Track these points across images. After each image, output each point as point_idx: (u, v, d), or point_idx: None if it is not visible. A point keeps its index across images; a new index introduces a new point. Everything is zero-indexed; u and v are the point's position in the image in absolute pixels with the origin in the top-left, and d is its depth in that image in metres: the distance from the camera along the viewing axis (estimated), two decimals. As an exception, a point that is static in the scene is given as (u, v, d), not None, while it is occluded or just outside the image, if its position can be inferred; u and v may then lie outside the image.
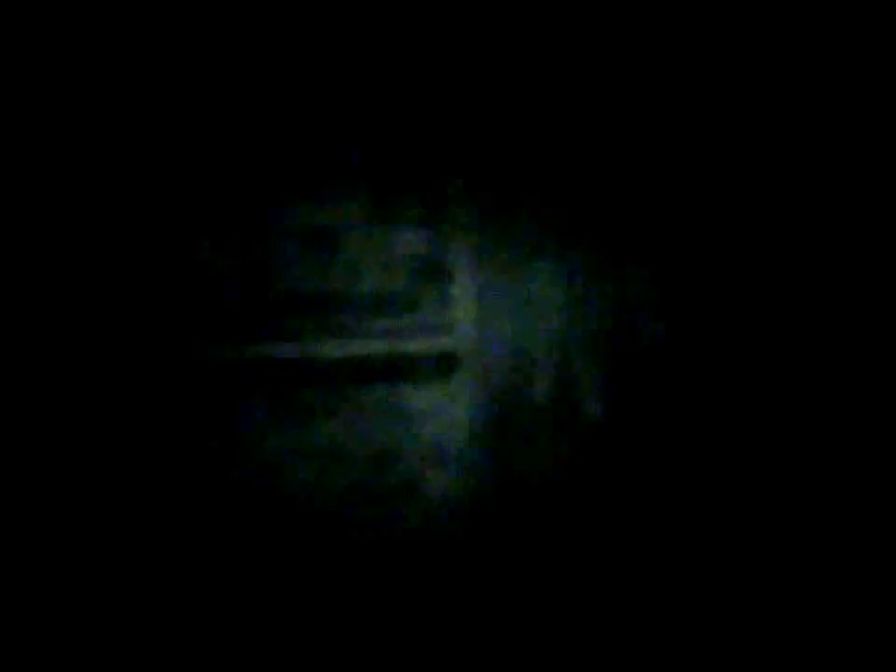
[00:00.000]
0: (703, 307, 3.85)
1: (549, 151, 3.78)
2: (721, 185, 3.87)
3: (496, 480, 3.74)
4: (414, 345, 3.75)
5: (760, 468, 3.83)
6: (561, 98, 3.82)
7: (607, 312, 3.79)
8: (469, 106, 3.77)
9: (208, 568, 3.60)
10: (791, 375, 3.84)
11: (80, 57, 3.61)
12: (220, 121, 3.68)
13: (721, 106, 3.90)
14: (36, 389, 3.57)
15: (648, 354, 3.77)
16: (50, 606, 3.52)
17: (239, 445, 3.66)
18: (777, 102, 3.90)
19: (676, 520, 3.77)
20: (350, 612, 3.63)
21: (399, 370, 3.73)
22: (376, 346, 3.76)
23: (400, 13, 3.75)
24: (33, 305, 3.56)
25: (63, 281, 3.60)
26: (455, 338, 3.75)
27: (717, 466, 3.81)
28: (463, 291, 3.76)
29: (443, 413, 3.75)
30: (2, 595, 3.52)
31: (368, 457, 3.75)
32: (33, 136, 3.62)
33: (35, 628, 3.52)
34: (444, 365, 3.75)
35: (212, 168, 3.72)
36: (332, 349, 3.75)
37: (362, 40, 3.77)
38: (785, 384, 3.83)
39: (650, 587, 3.73)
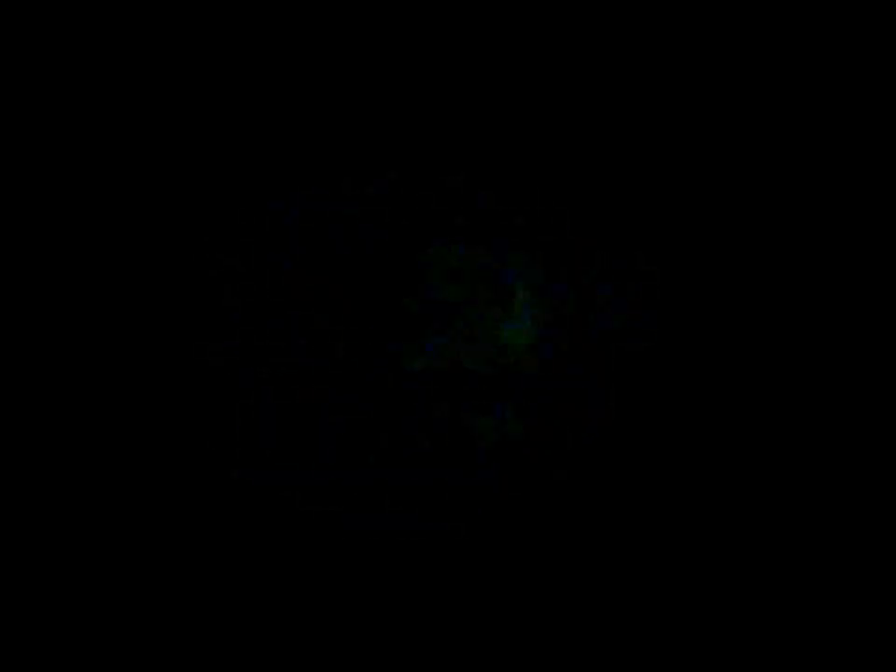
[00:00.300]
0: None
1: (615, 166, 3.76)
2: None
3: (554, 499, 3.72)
4: (471, 363, 3.72)
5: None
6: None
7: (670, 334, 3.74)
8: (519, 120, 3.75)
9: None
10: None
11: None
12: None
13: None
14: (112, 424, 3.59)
15: (698, 375, 3.74)
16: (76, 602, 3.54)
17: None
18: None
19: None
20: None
21: (456, 387, 3.71)
22: (432, 362, 3.76)
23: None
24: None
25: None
26: (513, 356, 3.72)
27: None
28: (521, 308, 3.73)
29: (500, 433, 3.72)
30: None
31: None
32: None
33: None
34: (502, 385, 3.72)
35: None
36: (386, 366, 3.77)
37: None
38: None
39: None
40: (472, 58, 3.72)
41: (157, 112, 3.56)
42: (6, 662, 3.49)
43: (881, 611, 3.65)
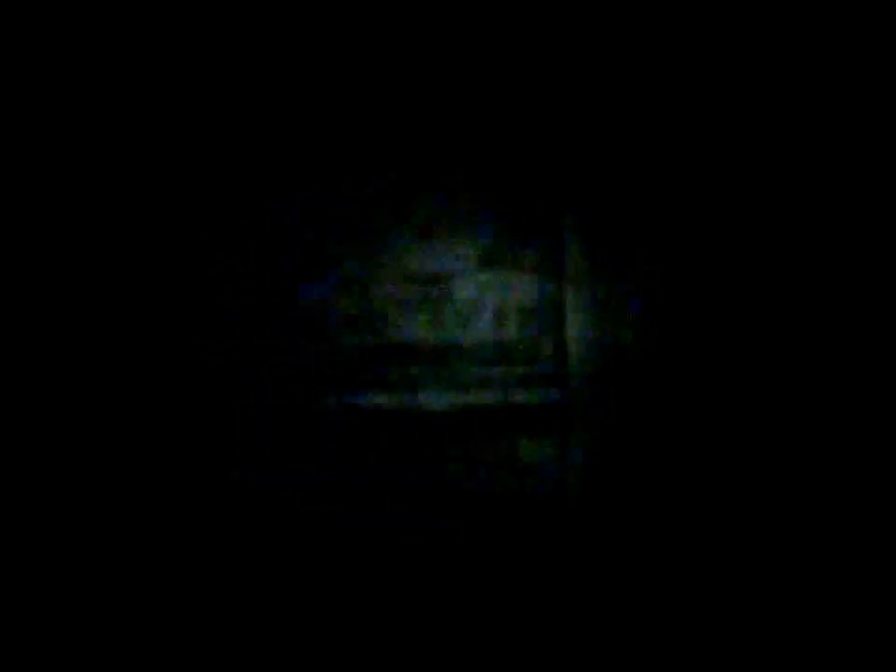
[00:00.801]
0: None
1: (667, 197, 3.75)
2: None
3: (610, 533, 3.68)
4: (526, 396, 3.70)
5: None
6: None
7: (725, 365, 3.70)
8: (588, 148, 3.75)
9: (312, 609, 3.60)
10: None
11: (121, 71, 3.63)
12: (331, 162, 3.69)
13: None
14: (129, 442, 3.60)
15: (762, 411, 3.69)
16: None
17: (348, 492, 3.68)
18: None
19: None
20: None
21: (510, 421, 3.68)
22: (487, 397, 3.75)
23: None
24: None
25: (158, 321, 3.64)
26: (569, 389, 3.68)
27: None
28: (578, 341, 3.69)
29: (556, 466, 3.67)
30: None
31: (476, 508, 3.71)
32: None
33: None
34: (557, 417, 3.68)
35: (325, 211, 3.73)
36: (442, 399, 3.74)
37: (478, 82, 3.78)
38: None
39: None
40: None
41: (150, 115, 3.59)
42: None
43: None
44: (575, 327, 3.62)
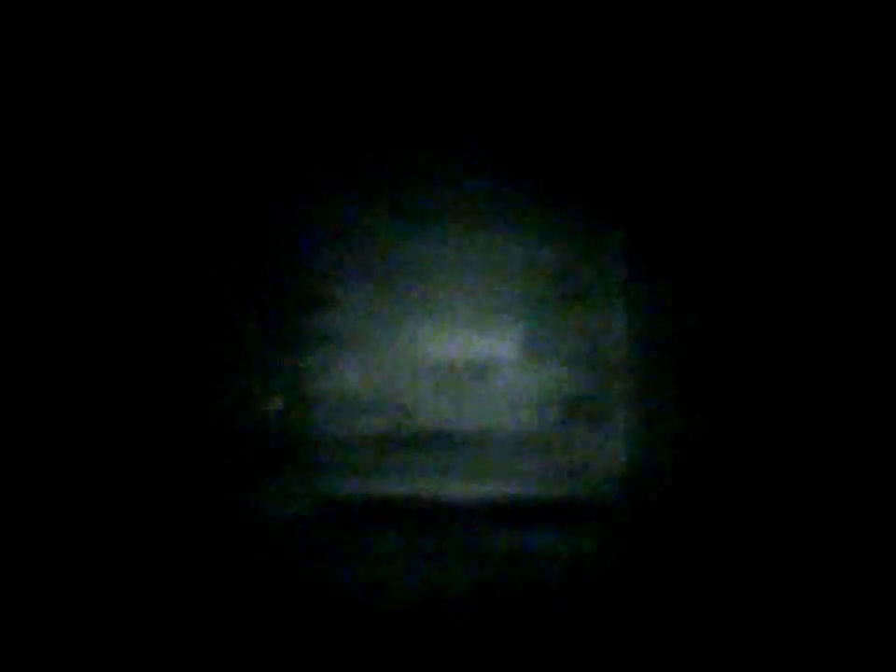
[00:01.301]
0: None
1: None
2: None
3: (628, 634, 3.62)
4: (549, 489, 3.65)
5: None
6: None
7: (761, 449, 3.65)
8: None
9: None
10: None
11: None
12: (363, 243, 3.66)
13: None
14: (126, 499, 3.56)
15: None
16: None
17: (365, 581, 3.61)
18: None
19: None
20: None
21: (526, 514, 3.62)
22: (511, 489, 3.68)
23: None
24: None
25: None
26: (597, 482, 3.63)
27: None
28: (614, 433, 3.64)
29: (568, 560, 3.60)
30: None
31: (491, 603, 3.64)
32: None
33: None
34: (573, 511, 3.62)
35: (361, 301, 3.71)
36: (466, 489, 3.70)
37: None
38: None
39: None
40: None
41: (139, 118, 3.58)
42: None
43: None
44: (614, 419, 3.54)
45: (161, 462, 3.67)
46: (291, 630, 3.43)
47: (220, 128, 3.73)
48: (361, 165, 3.74)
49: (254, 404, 3.74)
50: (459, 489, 3.69)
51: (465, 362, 3.76)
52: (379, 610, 3.50)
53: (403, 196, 3.73)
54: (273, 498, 3.67)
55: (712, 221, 3.81)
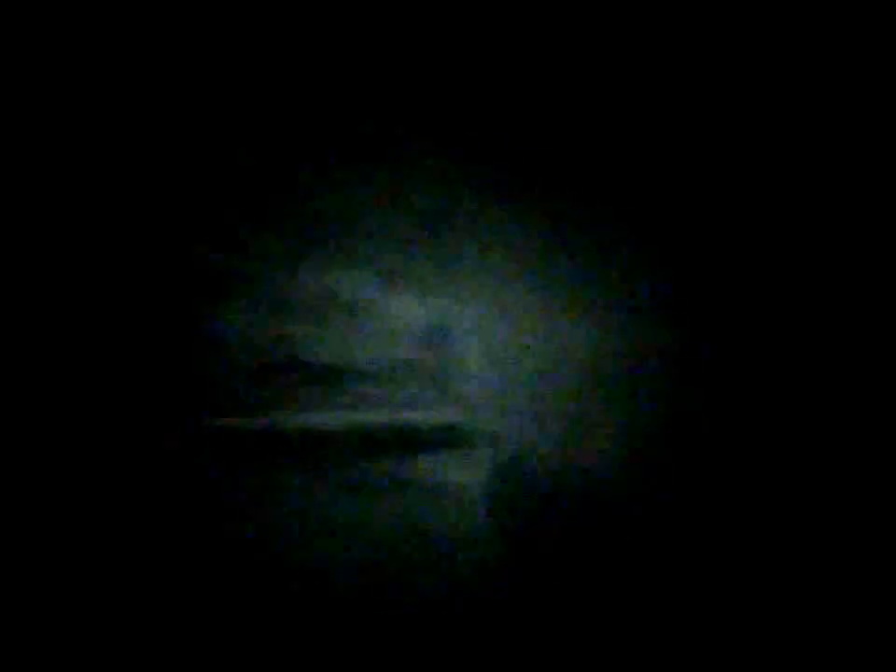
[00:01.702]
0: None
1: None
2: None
3: (510, 558, 3.69)
4: (423, 417, 3.70)
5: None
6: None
7: (625, 371, 3.72)
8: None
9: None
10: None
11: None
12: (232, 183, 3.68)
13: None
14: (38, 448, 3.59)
15: (669, 413, 3.72)
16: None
17: (239, 516, 3.66)
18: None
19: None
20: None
21: (407, 442, 3.68)
22: (382, 417, 3.72)
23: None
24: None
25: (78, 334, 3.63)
26: (466, 409, 3.69)
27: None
28: (475, 360, 3.72)
29: (454, 488, 3.68)
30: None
31: (374, 534, 3.69)
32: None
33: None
34: (456, 437, 3.69)
35: (226, 234, 3.73)
36: (338, 420, 3.73)
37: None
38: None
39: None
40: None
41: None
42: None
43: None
44: (471, 346, 3.63)
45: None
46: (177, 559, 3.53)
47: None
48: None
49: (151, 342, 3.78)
50: (343, 420, 3.73)
51: (350, 300, 3.81)
52: (261, 545, 3.59)
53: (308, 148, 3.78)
54: (164, 433, 3.72)
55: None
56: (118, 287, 3.62)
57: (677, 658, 3.56)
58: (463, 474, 3.64)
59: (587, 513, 3.58)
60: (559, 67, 3.73)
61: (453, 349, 3.69)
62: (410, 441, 3.63)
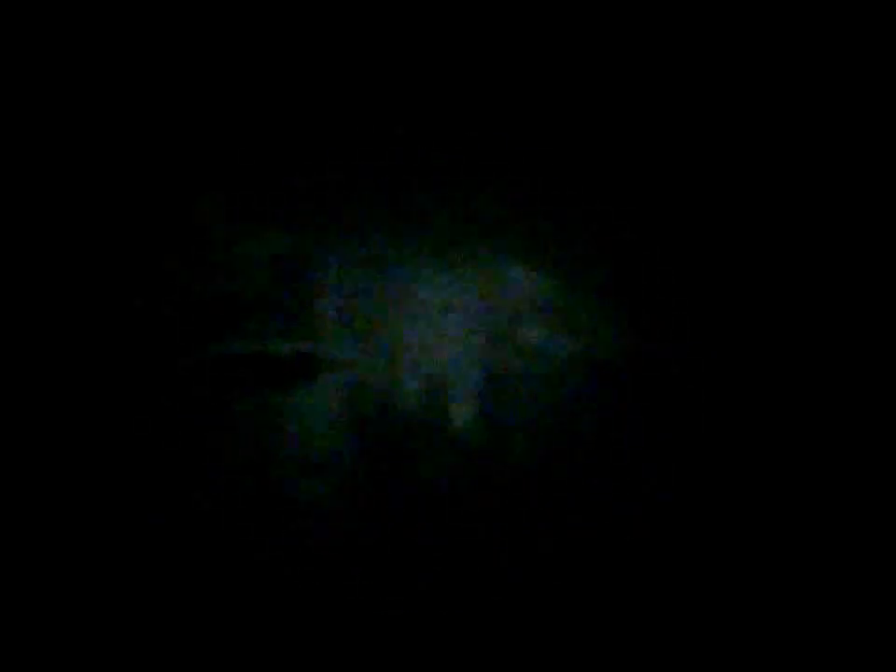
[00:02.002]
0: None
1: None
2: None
3: (363, 487, 3.74)
4: (279, 347, 3.77)
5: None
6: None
7: (490, 317, 3.78)
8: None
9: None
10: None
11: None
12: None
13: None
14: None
15: (530, 360, 3.77)
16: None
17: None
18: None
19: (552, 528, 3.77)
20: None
21: (265, 372, 3.75)
22: (239, 349, 3.78)
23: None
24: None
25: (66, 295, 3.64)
26: (321, 341, 3.76)
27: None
28: (331, 293, 3.77)
29: (311, 418, 3.76)
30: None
31: (235, 461, 3.76)
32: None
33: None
34: (311, 368, 3.76)
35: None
36: (203, 352, 3.77)
37: None
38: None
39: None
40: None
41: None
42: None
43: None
44: (327, 279, 3.69)
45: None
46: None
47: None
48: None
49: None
50: (209, 351, 3.85)
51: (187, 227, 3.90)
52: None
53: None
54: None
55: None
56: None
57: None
58: (317, 398, 3.74)
59: (428, 434, 3.65)
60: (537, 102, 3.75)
61: (309, 282, 3.77)
62: (268, 369, 3.72)
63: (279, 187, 3.82)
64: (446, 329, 3.94)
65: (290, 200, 3.82)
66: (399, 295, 3.97)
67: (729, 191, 3.92)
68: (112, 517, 3.70)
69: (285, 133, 3.85)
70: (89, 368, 3.72)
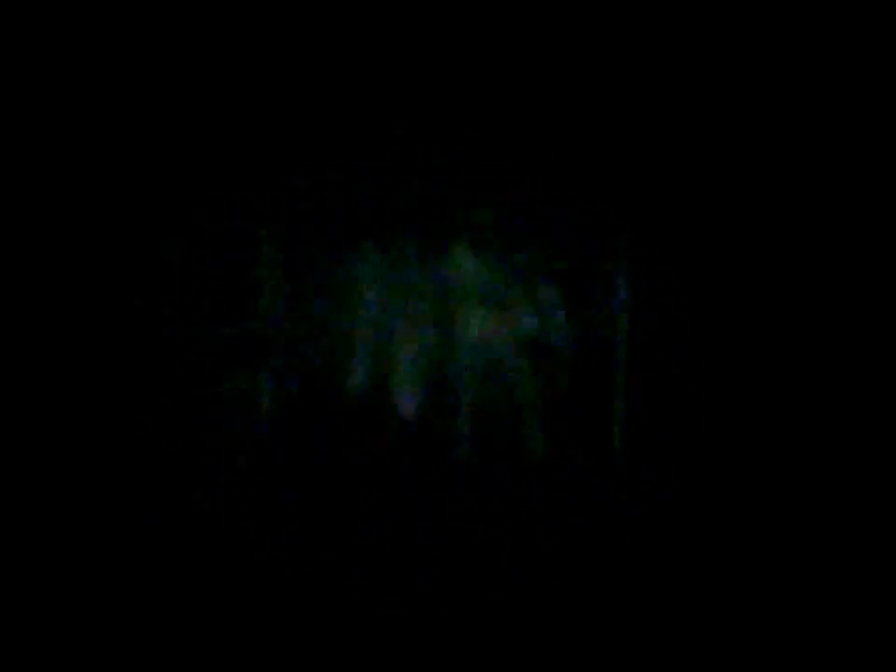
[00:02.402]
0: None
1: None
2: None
3: (297, 471, 3.77)
4: (220, 328, 3.78)
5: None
6: None
7: (431, 302, 3.79)
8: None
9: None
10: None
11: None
12: None
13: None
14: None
15: (471, 350, 3.78)
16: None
17: None
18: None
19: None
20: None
21: (204, 354, 3.75)
22: (178, 331, 3.79)
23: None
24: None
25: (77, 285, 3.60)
26: (262, 322, 3.77)
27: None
28: (270, 275, 3.78)
29: (248, 400, 3.78)
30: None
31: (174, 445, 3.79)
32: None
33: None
34: (249, 350, 3.77)
35: None
36: None
37: None
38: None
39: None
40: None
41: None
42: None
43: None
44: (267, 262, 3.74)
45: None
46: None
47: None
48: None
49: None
50: None
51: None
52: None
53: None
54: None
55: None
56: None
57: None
58: (255, 380, 3.77)
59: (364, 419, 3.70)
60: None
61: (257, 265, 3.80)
62: (210, 350, 3.74)
63: (234, 172, 3.78)
64: (390, 319, 3.93)
65: (239, 185, 3.79)
66: (344, 282, 3.96)
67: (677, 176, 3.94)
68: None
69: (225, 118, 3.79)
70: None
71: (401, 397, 3.91)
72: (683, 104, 3.85)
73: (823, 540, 3.85)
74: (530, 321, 3.98)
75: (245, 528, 3.79)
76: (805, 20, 3.87)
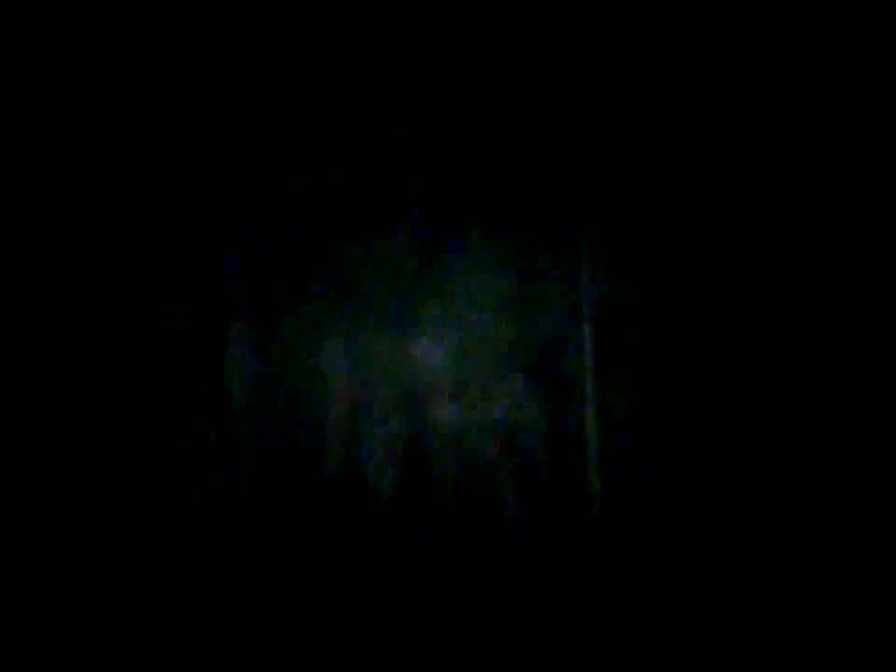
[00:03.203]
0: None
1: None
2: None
3: (272, 556, 3.81)
4: (192, 422, 3.87)
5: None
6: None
7: (399, 387, 3.81)
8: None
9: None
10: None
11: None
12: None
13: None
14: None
15: (442, 430, 3.77)
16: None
17: None
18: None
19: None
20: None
21: (177, 449, 3.84)
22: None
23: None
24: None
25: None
26: (232, 415, 3.83)
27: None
28: (239, 362, 3.84)
29: (223, 491, 3.82)
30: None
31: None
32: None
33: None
34: (222, 441, 3.83)
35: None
36: None
37: None
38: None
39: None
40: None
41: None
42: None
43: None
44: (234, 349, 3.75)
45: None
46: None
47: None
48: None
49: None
50: None
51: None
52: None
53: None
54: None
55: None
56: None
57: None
58: (230, 470, 3.84)
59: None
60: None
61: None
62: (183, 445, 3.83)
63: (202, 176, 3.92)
64: (363, 408, 4.02)
65: (203, 286, 3.92)
66: (313, 373, 4.08)
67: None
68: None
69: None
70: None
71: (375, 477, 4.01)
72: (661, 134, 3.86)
73: (805, 576, 3.74)
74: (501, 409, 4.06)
75: (227, 619, 3.95)
76: (762, 16, 3.82)
